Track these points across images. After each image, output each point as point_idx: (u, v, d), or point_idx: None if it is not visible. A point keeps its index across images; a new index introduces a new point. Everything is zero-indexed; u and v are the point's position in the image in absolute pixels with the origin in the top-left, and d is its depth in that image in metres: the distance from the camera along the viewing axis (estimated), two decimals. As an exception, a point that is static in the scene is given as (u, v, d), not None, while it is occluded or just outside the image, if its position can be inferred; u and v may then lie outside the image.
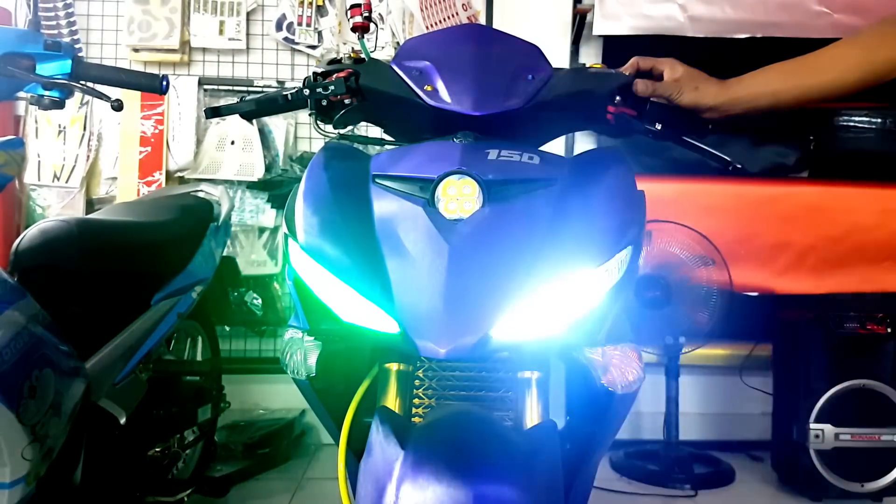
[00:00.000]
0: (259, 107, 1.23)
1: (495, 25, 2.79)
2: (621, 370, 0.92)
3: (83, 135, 2.76)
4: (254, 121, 2.68)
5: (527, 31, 1.30)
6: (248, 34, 2.84)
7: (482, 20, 2.83)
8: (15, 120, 2.77)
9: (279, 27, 2.82)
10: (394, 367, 0.98)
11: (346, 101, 1.14)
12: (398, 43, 2.77)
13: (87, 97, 2.69)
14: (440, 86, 1.05)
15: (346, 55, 1.20)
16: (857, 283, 2.62)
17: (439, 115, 1.05)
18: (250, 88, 2.81)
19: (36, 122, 2.75)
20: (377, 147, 1.22)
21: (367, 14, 1.26)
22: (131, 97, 2.69)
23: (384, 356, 1.00)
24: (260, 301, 2.77)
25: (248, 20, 2.84)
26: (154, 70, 2.79)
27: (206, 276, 2.01)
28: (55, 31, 2.73)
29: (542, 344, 0.90)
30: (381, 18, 2.80)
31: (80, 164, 2.75)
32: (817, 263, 2.64)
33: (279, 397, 2.84)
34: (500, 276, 0.85)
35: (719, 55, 2.57)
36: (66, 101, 1.41)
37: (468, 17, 2.81)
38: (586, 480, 1.08)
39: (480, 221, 0.90)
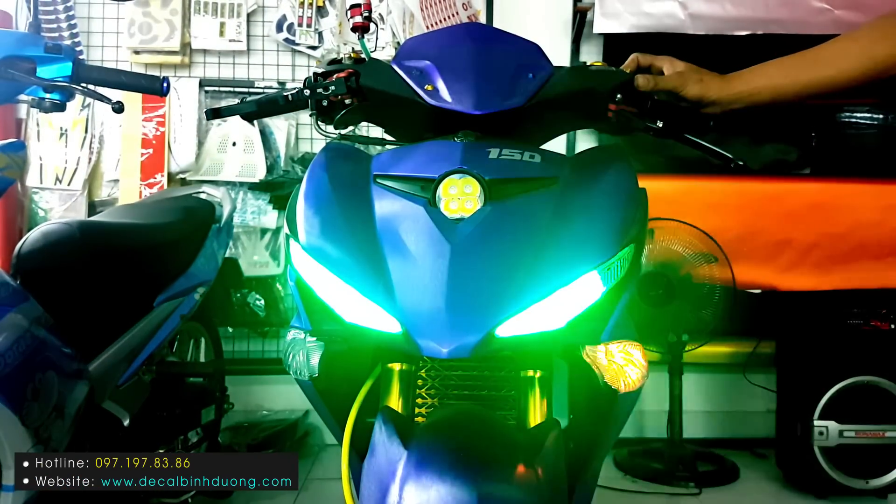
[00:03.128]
0: (260, 108, 1.22)
1: (495, 24, 2.79)
2: (624, 369, 0.92)
3: (85, 137, 2.76)
4: (255, 122, 2.68)
5: (527, 29, 1.31)
6: (248, 35, 2.84)
7: (482, 19, 2.83)
8: (16, 123, 2.77)
9: (279, 28, 2.82)
10: (396, 366, 0.98)
11: (347, 102, 1.14)
12: (398, 43, 2.77)
13: (89, 100, 2.69)
14: (441, 85, 1.05)
15: (347, 55, 1.20)
16: (860, 279, 2.62)
17: (440, 114, 1.05)
18: (251, 90, 2.81)
19: (37, 124, 2.75)
20: (378, 147, 1.22)
21: (367, 14, 1.26)
22: (132, 99, 2.68)
23: (387, 356, 1.00)
24: (262, 302, 2.78)
25: (248, 21, 2.84)
26: (155, 72, 2.80)
27: (208, 278, 2.01)
28: (56, 34, 2.73)
29: (545, 343, 0.90)
30: (382, 18, 2.80)
31: (82, 167, 2.75)
32: (820, 260, 2.64)
33: (282, 398, 2.84)
34: (502, 274, 0.85)
35: (720, 53, 2.57)
36: (68, 104, 1.41)
37: (468, 17, 2.81)
38: (590, 479, 1.08)
39: (482, 220, 0.90)
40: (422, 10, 2.78)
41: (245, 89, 2.82)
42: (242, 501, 2.27)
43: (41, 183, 2.74)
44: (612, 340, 0.91)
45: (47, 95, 1.36)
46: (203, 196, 2.16)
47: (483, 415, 0.96)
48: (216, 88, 2.84)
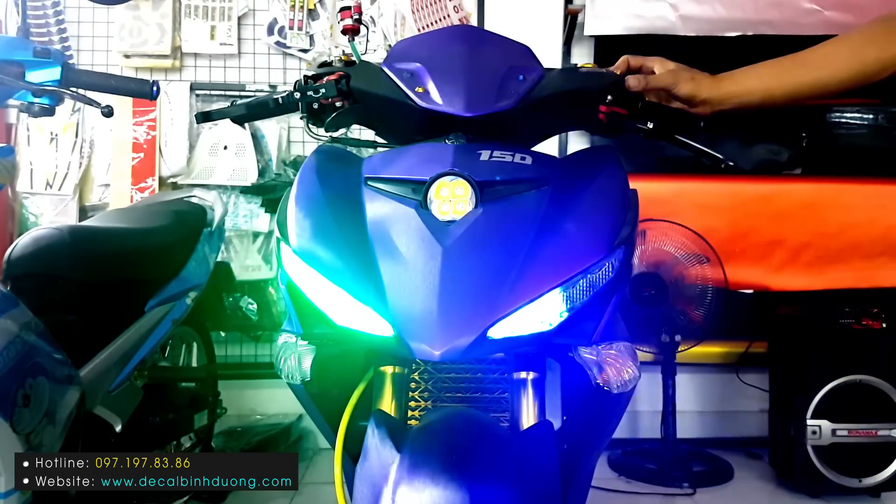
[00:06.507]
0: (250, 111, 1.22)
1: (487, 27, 2.79)
2: (617, 369, 0.92)
3: (75, 142, 2.75)
4: (246, 125, 2.68)
5: (518, 31, 1.30)
6: (239, 39, 2.83)
7: (474, 21, 2.83)
8: (6, 128, 2.76)
9: (270, 31, 2.81)
10: (389, 369, 0.98)
11: (338, 104, 1.13)
12: (389, 45, 2.77)
13: (79, 104, 2.68)
14: (431, 87, 1.05)
15: (338, 58, 1.20)
16: (851, 278, 2.63)
17: (431, 116, 1.04)
18: (242, 93, 2.80)
19: (28, 129, 2.74)
20: (369, 149, 1.22)
21: (357, 17, 1.26)
22: (123, 103, 2.67)
23: (379, 359, 1.00)
24: (255, 306, 2.76)
25: (239, 25, 2.83)
26: (145, 76, 2.79)
27: (200, 282, 2.00)
28: (45, 38, 2.72)
29: (537, 344, 0.90)
30: (373, 21, 2.80)
31: (73, 172, 2.74)
32: (812, 260, 2.65)
33: (276, 402, 2.83)
34: (494, 276, 0.85)
35: (711, 54, 2.57)
36: (57, 108, 1.40)
37: (460, 19, 2.81)
38: (584, 480, 1.08)
39: (473, 222, 0.90)
40: (413, 12, 2.77)
41: (236, 93, 2.81)
42: (237, 505, 2.26)
43: (31, 188, 2.73)
44: (605, 341, 0.91)
45: (36, 100, 1.35)
46: (194, 200, 2.15)
47: (476, 417, 0.95)
48: (207, 92, 2.83)
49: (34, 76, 1.34)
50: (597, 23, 2.69)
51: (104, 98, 1.43)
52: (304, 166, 1.05)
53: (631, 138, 1.17)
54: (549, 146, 2.46)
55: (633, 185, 1.04)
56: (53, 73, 1.35)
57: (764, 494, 2.49)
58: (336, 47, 2.80)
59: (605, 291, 0.89)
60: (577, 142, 2.81)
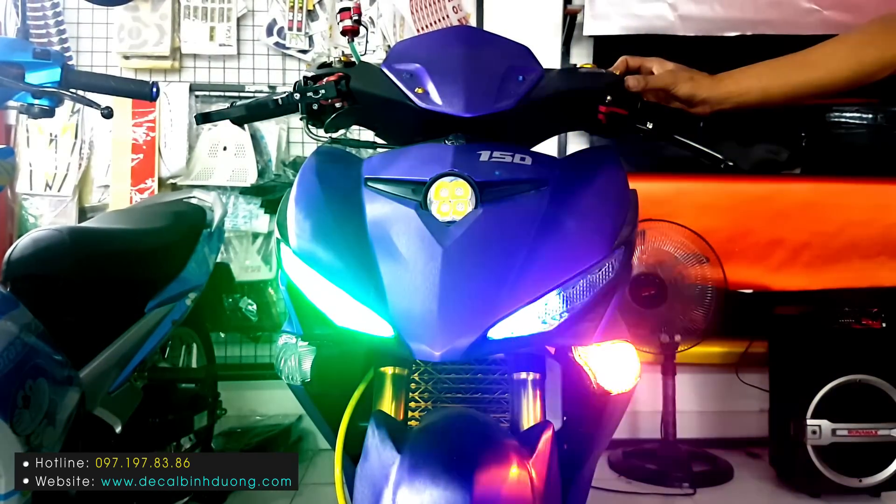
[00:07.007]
0: (250, 112, 1.22)
1: (486, 27, 2.79)
2: (617, 369, 0.92)
3: (75, 143, 2.75)
4: (245, 126, 2.68)
5: (517, 32, 1.30)
6: (238, 40, 2.84)
7: (473, 22, 2.83)
8: (6, 129, 2.76)
9: (270, 32, 2.81)
10: (389, 370, 0.98)
11: (337, 105, 1.14)
12: (389, 46, 2.77)
13: (78, 105, 2.68)
14: (431, 88, 1.05)
15: (337, 59, 1.20)
16: (851, 278, 2.63)
17: (430, 117, 1.05)
18: (241, 94, 2.80)
19: (27, 130, 2.74)
20: (369, 150, 1.22)
21: (356, 17, 1.26)
22: (122, 104, 2.67)
23: (379, 360, 1.00)
24: (255, 307, 2.77)
25: (238, 26, 2.83)
26: (145, 77, 2.78)
27: (200, 283, 2.00)
28: (45, 40, 2.72)
29: (537, 344, 0.90)
30: (372, 22, 2.80)
31: (72, 173, 2.74)
32: (811, 259, 2.65)
33: (275, 403, 2.83)
34: (494, 277, 0.85)
35: (710, 54, 2.57)
36: (57, 110, 1.40)
37: (459, 20, 2.81)
38: (584, 480, 1.08)
39: (473, 223, 0.90)
40: (412, 13, 2.77)
41: (235, 93, 2.81)
42: (236, 505, 2.26)
43: (31, 189, 2.73)
44: (605, 341, 0.91)
45: (36, 101, 1.35)
46: (194, 201, 2.15)
47: (476, 418, 0.95)
48: (206, 93, 2.83)
49: (34, 77, 1.34)
50: (596, 23, 2.70)
51: (104, 99, 1.42)
52: (303, 167, 1.05)
53: (631, 138, 1.17)
54: (549, 146, 2.46)
55: (633, 185, 1.04)
56: (53, 74, 1.35)
57: (764, 494, 2.49)
58: (335, 48, 2.81)
59: (604, 292, 0.89)
60: (577, 142, 2.81)
